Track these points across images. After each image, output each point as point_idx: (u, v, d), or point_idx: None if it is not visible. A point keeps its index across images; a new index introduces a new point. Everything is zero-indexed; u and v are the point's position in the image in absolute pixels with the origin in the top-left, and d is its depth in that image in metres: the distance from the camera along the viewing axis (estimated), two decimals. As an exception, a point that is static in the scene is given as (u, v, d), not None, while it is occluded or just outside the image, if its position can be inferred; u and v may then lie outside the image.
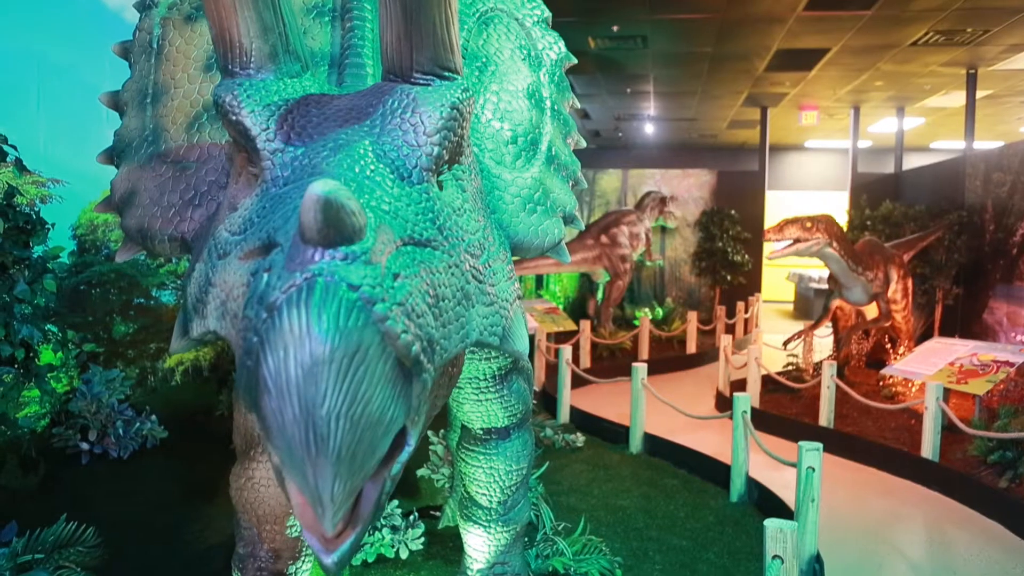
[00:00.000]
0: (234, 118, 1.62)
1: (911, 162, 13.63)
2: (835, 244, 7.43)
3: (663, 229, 13.22)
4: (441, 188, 1.64)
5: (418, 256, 1.40)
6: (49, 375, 4.37)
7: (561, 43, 2.62)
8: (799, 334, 8.52)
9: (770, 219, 14.64)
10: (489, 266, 1.75)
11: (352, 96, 1.71)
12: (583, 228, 2.96)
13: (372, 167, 1.49)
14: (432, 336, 1.36)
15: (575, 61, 2.74)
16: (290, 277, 1.19)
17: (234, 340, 1.48)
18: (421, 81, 1.63)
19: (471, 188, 1.82)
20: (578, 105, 2.89)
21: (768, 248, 7.51)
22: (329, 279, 1.17)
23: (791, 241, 7.34)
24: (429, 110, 1.58)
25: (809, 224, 7.28)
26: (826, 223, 7.39)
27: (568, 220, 2.45)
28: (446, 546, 4.03)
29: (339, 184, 1.16)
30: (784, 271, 18.33)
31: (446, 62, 1.63)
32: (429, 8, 1.52)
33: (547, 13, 2.62)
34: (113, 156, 2.34)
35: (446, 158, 1.64)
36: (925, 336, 8.91)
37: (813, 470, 3.72)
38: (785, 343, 8.51)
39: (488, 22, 2.39)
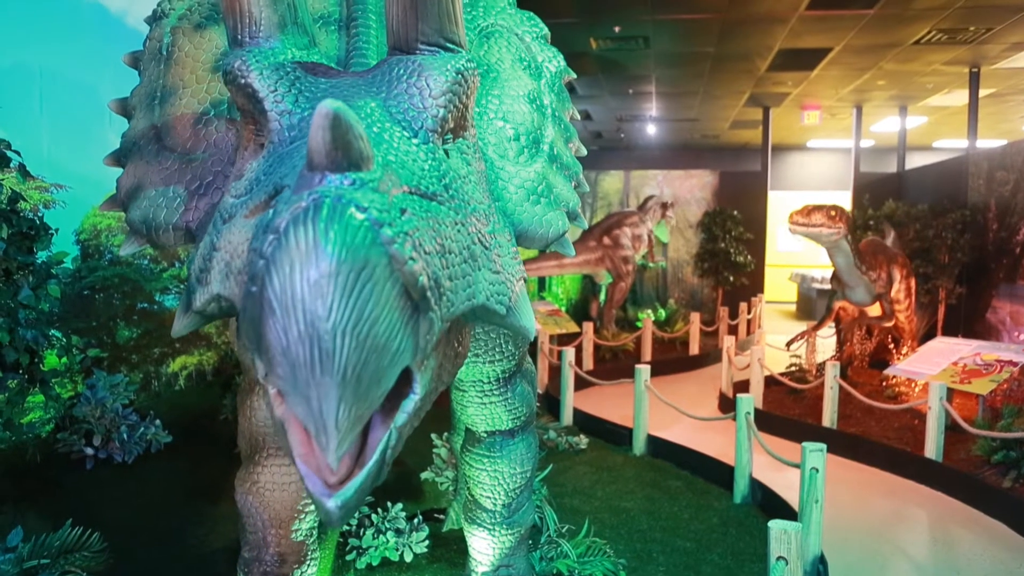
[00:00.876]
0: (243, 81, 1.63)
1: (914, 161, 13.62)
2: (850, 238, 7.47)
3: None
4: (448, 156, 1.65)
5: (424, 206, 1.38)
6: (53, 380, 4.38)
7: (560, 58, 2.65)
8: (802, 335, 8.52)
9: (772, 220, 14.68)
10: (495, 237, 1.73)
11: (359, 72, 1.75)
12: (586, 226, 2.97)
13: (379, 125, 1.50)
14: (439, 278, 1.33)
15: (574, 76, 2.77)
16: (297, 200, 1.18)
17: (238, 298, 1.44)
18: (426, 52, 1.65)
19: (476, 165, 1.83)
20: (578, 116, 2.93)
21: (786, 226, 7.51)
22: (337, 200, 1.16)
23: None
24: (435, 74, 1.61)
25: (834, 213, 7.32)
26: (847, 216, 7.43)
27: (572, 216, 2.46)
28: (450, 549, 4.03)
29: (347, 107, 1.15)
30: (787, 271, 18.32)
31: (450, 34, 1.65)
32: None
33: (546, 31, 2.66)
34: (120, 158, 2.36)
35: (451, 124, 1.66)
36: (928, 336, 8.90)
37: (817, 471, 3.71)
38: (788, 344, 8.51)
39: (490, 36, 2.42)
